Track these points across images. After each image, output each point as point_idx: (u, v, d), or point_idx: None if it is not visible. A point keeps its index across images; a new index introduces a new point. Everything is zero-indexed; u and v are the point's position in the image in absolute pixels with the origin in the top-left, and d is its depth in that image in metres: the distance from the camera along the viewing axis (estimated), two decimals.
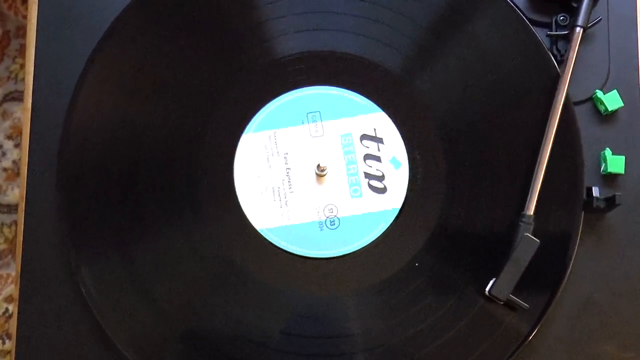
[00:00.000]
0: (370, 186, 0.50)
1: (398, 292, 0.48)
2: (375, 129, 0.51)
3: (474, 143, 0.50)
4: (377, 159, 0.51)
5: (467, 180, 0.50)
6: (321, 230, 0.50)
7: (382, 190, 0.50)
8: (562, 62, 0.51)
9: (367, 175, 0.50)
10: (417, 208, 0.50)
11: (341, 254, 0.49)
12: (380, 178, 0.50)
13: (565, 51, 0.51)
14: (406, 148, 0.50)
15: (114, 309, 0.48)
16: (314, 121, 0.51)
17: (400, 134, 0.51)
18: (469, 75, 0.51)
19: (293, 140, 0.51)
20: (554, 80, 0.50)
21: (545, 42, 0.52)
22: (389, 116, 0.51)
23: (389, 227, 0.49)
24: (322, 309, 0.48)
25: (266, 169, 0.50)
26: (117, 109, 0.50)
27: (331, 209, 0.50)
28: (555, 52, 0.52)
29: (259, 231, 0.50)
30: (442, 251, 0.49)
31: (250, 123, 0.51)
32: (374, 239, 0.49)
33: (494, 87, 0.50)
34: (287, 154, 0.51)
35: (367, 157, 0.51)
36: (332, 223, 0.50)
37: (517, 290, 0.47)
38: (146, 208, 0.49)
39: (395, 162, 0.50)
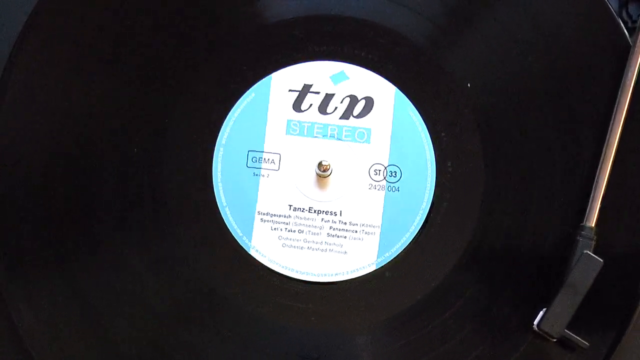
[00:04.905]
0: (358, 116, 0.50)
1: (421, 325, 0.48)
2: (290, 89, 0.50)
3: (519, 132, 0.49)
4: (327, 97, 0.50)
5: (511, 180, 0.49)
6: (392, 190, 0.49)
7: (369, 104, 0.50)
8: (634, 29, 0.49)
9: (344, 115, 0.50)
10: (420, 258, 0.48)
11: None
12: (353, 101, 0.50)
13: (638, 16, 0.51)
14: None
15: (54, 347, 0.48)
16: (258, 161, 0.50)
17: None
18: (515, 47, 0.50)
19: (271, 191, 0.50)
20: (624, 53, 0.49)
21: (613, 5, 0.51)
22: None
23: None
24: (321, 347, 0.47)
25: (301, 235, 0.49)
26: (54, 96, 0.50)
27: (376, 170, 0.49)
28: (625, 17, 0.52)
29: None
30: (477, 273, 0.48)
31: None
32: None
33: (548, 64, 0.50)
34: (291, 205, 0.49)
35: (321, 108, 0.50)
36: (393, 174, 0.49)
37: (574, 325, 0.46)
38: (94, 215, 0.49)
39: (338, 77, 0.50)
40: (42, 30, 0.50)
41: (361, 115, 0.49)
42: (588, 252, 0.45)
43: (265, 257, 0.48)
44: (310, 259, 0.48)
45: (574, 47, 0.49)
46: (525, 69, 0.49)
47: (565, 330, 0.45)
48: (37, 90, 0.49)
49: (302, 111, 0.50)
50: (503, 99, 0.49)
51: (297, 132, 0.50)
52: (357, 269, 0.48)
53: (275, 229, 0.49)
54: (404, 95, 0.49)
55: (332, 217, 0.49)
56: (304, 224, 0.49)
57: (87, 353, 0.47)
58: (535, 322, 0.46)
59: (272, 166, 0.49)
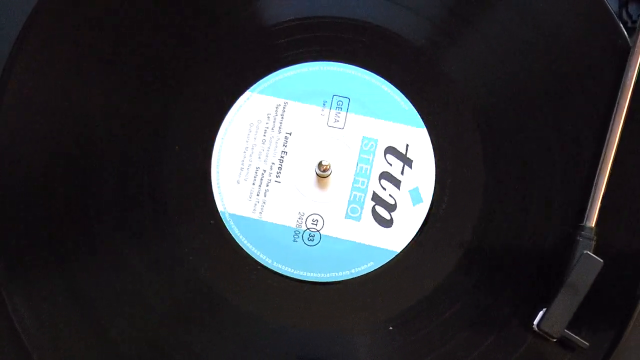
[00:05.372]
0: (375, 213, 0.49)
1: (421, 325, 0.48)
2: (407, 146, 0.49)
3: (519, 132, 0.49)
4: (396, 183, 0.49)
5: (511, 178, 0.49)
6: (294, 241, 0.49)
7: (388, 224, 0.49)
8: (634, 29, 0.50)
9: (376, 198, 0.49)
10: (420, 258, 0.48)
11: (315, 279, 0.48)
12: (391, 208, 0.49)
13: (638, 16, 0.51)
14: (436, 183, 0.49)
15: (54, 347, 0.47)
16: (338, 108, 0.50)
17: (436, 163, 0.49)
18: (515, 47, 0.50)
19: (303, 121, 0.50)
20: (623, 54, 0.49)
21: (613, 5, 0.51)
22: (431, 137, 0.50)
23: (375, 269, 0.48)
24: (321, 347, 0.47)
25: (259, 143, 0.50)
26: (54, 96, 0.50)
27: (316, 220, 0.49)
28: (625, 17, 0.52)
29: (220, 213, 0.49)
30: (477, 273, 0.48)
31: (259, 82, 0.50)
32: (354, 276, 0.48)
33: (548, 64, 0.50)
34: (289, 134, 0.50)
35: (385, 176, 0.49)
36: (311, 238, 0.49)
37: (574, 325, 0.46)
38: (94, 215, 0.48)
39: (415, 196, 0.49)
40: (42, 30, 0.49)
41: (376, 217, 0.49)
42: (588, 252, 0.45)
43: (237, 112, 0.49)
44: (235, 150, 0.49)
45: (574, 47, 0.49)
46: (525, 69, 0.49)
47: (565, 331, 0.45)
48: (37, 90, 0.49)
49: (384, 156, 0.49)
50: (503, 99, 0.49)
51: (365, 148, 0.49)
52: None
53: (268, 117, 0.49)
54: (388, 263, 0.48)
55: (274, 174, 0.49)
56: (270, 145, 0.49)
57: (87, 353, 0.47)
58: (535, 322, 0.46)
59: (331, 119, 0.50)
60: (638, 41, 0.48)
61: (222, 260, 0.48)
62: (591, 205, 0.47)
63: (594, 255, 0.45)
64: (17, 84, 0.49)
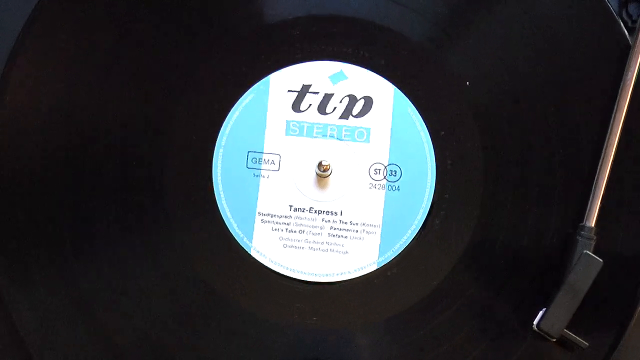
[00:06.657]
0: (357, 115, 0.50)
1: (420, 326, 0.48)
2: (289, 89, 0.50)
3: (519, 132, 0.49)
4: (326, 97, 0.50)
5: (510, 181, 0.49)
6: (396, 189, 0.49)
7: (368, 104, 0.50)
8: (634, 29, 0.49)
9: (344, 115, 0.50)
10: (420, 258, 0.49)
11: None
12: (352, 101, 0.50)
13: (638, 16, 0.50)
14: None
15: (54, 347, 0.47)
16: (259, 152, 0.50)
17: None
18: (515, 47, 0.50)
19: (271, 192, 0.50)
20: (624, 53, 0.49)
21: (613, 5, 0.51)
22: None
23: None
24: (321, 347, 0.47)
25: (300, 235, 0.50)
26: (54, 96, 0.50)
27: (376, 169, 0.49)
28: (625, 17, 0.51)
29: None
30: (476, 273, 0.48)
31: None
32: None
33: (548, 64, 0.49)
34: (291, 205, 0.50)
35: (320, 108, 0.50)
36: (393, 173, 0.49)
37: (573, 325, 0.46)
38: (95, 215, 0.48)
39: (337, 77, 0.50)
40: (42, 30, 0.49)
41: (360, 114, 0.49)
42: (588, 252, 0.45)
43: (266, 257, 0.48)
44: (311, 259, 0.48)
45: (574, 47, 0.49)
46: (525, 69, 0.49)
47: (565, 330, 0.45)
48: (37, 91, 0.49)
49: (302, 111, 0.49)
50: (503, 99, 0.49)
51: (297, 132, 0.49)
52: (358, 269, 0.48)
53: (276, 229, 0.49)
54: (403, 95, 0.49)
55: (333, 217, 0.49)
56: (304, 225, 0.49)
57: (87, 353, 0.47)
58: (535, 321, 0.46)
59: (272, 167, 0.49)
60: (638, 41, 0.48)
61: (223, 260, 0.48)
62: (591, 205, 0.47)
63: (593, 255, 0.45)
64: (17, 84, 0.49)
